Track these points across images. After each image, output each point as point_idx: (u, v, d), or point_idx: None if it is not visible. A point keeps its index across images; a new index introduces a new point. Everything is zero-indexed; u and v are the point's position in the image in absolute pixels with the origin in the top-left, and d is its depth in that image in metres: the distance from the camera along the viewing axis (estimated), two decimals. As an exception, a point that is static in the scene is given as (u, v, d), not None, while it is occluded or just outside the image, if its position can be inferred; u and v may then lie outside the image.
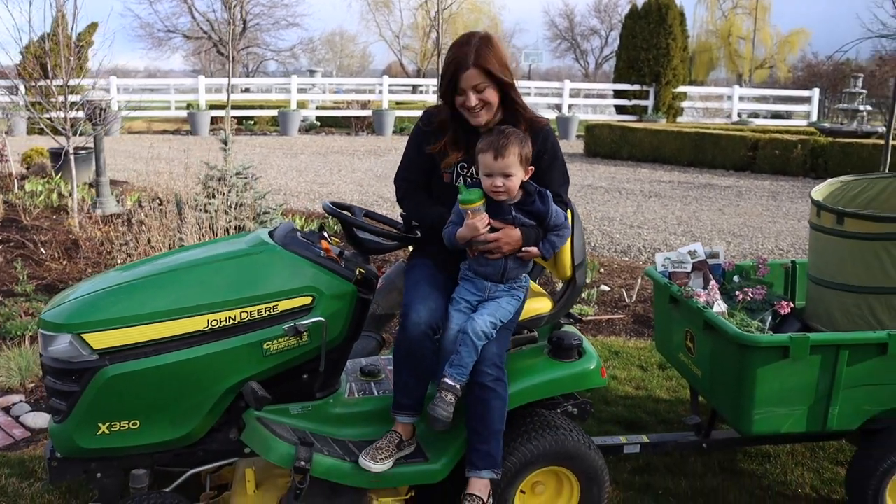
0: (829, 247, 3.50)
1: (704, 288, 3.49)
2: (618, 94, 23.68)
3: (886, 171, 7.64)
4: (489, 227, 2.63)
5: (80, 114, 8.57)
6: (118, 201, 9.08)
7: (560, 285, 3.19)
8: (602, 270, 7.11)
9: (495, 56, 2.70)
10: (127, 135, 19.59)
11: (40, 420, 4.00)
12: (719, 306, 3.37)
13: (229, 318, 2.60)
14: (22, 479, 3.41)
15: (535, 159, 2.75)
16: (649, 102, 22.99)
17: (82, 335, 2.55)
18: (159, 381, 2.58)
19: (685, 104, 24.00)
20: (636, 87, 22.89)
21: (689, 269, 3.71)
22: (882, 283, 3.31)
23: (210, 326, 2.59)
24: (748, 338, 2.95)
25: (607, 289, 6.47)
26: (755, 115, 25.85)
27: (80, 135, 8.39)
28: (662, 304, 3.74)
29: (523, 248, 2.69)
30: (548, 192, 2.74)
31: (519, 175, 2.65)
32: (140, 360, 2.57)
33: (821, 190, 3.77)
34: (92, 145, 9.17)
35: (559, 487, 2.96)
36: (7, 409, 4.13)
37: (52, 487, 3.31)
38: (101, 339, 2.55)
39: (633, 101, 23.07)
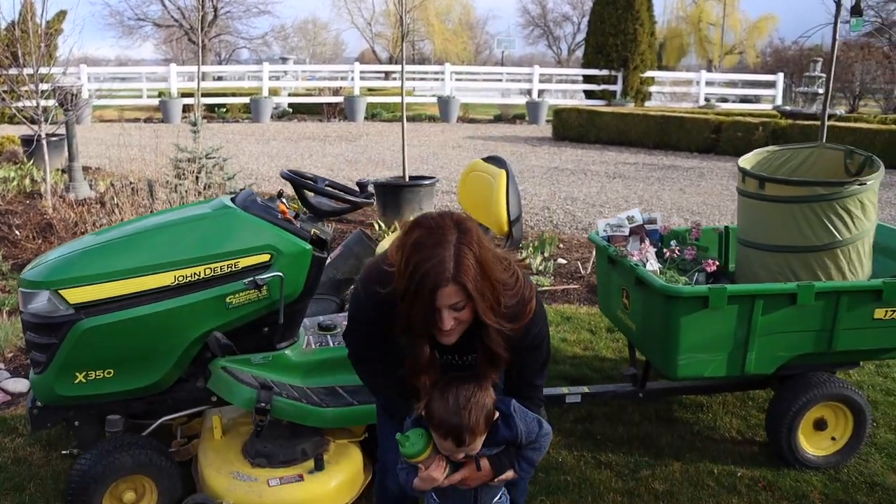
0: (752, 210, 3.79)
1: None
2: (587, 79, 23.98)
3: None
4: (448, 468, 2.16)
5: (52, 102, 8.70)
6: (91, 186, 9.22)
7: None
8: (561, 245, 7.41)
9: (479, 260, 1.99)
10: (98, 123, 19.59)
11: (20, 385, 4.22)
12: (652, 265, 3.66)
13: (194, 274, 2.84)
14: (4, 435, 3.64)
15: (515, 349, 2.18)
16: (618, 87, 23.30)
17: (60, 291, 2.78)
18: (131, 332, 2.81)
19: (653, 89, 24.34)
20: (604, 72, 23.20)
21: (626, 233, 3.99)
22: (798, 242, 3.60)
23: (177, 282, 2.83)
24: (672, 289, 3.24)
25: (564, 262, 6.77)
26: (724, 99, 26.29)
27: (52, 123, 8.52)
28: (603, 266, 4.03)
29: (496, 478, 2.20)
30: (511, 407, 2.19)
31: (482, 438, 2.15)
32: (113, 313, 2.79)
33: (748, 159, 4.07)
34: (63, 132, 9.30)
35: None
36: (-13, 376, 4.35)
37: (33, 441, 3.55)
38: (77, 295, 2.78)
39: (602, 86, 23.38)
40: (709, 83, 25.33)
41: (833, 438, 3.55)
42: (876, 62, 25.78)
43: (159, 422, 3.10)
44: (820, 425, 3.52)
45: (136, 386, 2.91)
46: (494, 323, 2.06)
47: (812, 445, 3.54)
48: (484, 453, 2.17)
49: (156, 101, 21.25)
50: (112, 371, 2.87)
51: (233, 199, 3.12)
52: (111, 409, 2.99)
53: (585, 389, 3.82)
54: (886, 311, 3.37)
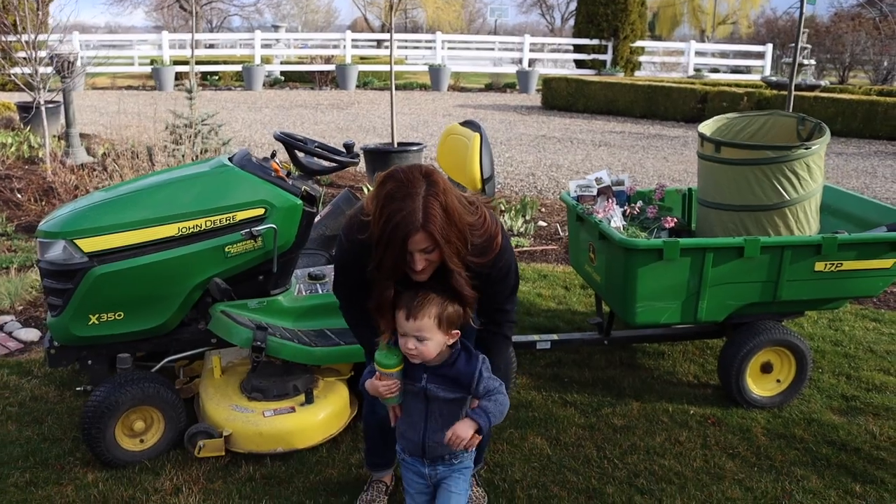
0: (710, 172, 4.10)
1: (605, 208, 4.09)
2: (577, 48, 24.13)
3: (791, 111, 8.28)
4: (397, 394, 2.41)
5: (49, 69, 8.91)
6: (88, 152, 9.47)
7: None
8: (543, 209, 7.73)
9: (445, 208, 2.21)
10: (91, 90, 19.72)
11: (31, 334, 4.53)
12: (616, 222, 3.98)
13: (196, 225, 3.15)
14: (21, 376, 3.96)
15: (484, 276, 2.41)
16: (608, 57, 23.48)
17: (75, 241, 3.07)
18: (139, 278, 3.12)
19: (643, 59, 24.53)
20: (595, 41, 23.35)
21: (594, 193, 4.30)
22: (750, 202, 3.92)
23: (180, 232, 3.13)
24: (629, 242, 3.56)
25: (544, 224, 7.10)
26: (715, 70, 26.45)
27: (50, 90, 8.73)
28: (572, 223, 4.35)
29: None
30: (480, 355, 2.40)
31: (437, 339, 2.31)
32: (123, 261, 3.09)
33: (709, 125, 4.37)
34: (59, 99, 9.50)
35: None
36: (0, 327, 4.66)
37: (48, 381, 3.88)
38: (91, 244, 3.08)
39: (592, 56, 23.54)
40: (699, 53, 25.51)
41: (778, 380, 3.90)
42: (866, 33, 25.95)
43: (165, 361, 3.42)
44: (766, 368, 3.87)
45: (144, 327, 3.22)
46: (459, 268, 2.29)
47: (759, 387, 3.88)
48: (432, 392, 2.35)
49: (148, 69, 21.36)
50: (122, 313, 3.18)
51: (230, 159, 3.42)
52: (121, 349, 3.30)
53: (555, 337, 4.15)
54: (826, 265, 3.70)
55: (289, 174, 3.40)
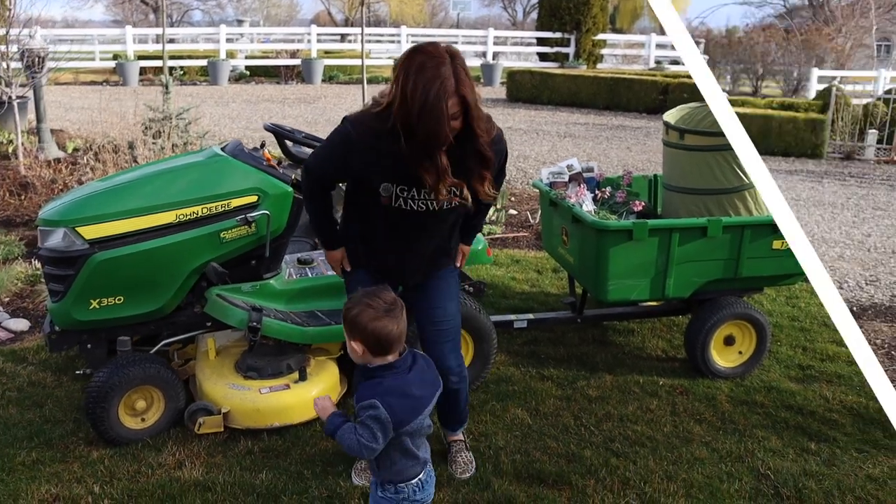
0: (674, 158, 4.35)
1: (576, 193, 4.32)
2: (541, 41, 24.42)
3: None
4: None
5: (19, 64, 8.88)
6: (59, 147, 9.47)
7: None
8: (512, 199, 7.96)
9: (468, 76, 2.49)
10: (54, 86, 19.49)
11: (20, 324, 4.64)
12: (587, 206, 4.20)
13: (193, 212, 3.30)
14: (16, 364, 4.08)
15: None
16: (570, 50, 23.80)
17: (76, 228, 3.21)
18: (138, 263, 3.26)
19: (605, 52, 24.89)
20: (557, 34, 23.65)
21: (566, 179, 4.53)
22: (712, 186, 4.17)
23: (178, 219, 3.29)
24: (601, 223, 3.79)
25: (515, 212, 7.33)
26: (676, 62, 26.87)
27: (22, 85, 8.73)
28: (545, 208, 4.57)
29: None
30: (376, 403, 2.21)
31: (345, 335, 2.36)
32: (123, 247, 3.24)
33: (672, 113, 4.61)
34: (28, 94, 9.46)
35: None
36: (-12, 318, 4.76)
37: (44, 367, 4.01)
38: (92, 231, 3.22)
39: (556, 49, 23.84)
40: (660, 46, 25.93)
41: (740, 352, 4.17)
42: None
43: (161, 343, 3.57)
44: (729, 341, 4.13)
45: (143, 311, 3.37)
46: (483, 133, 2.58)
47: (722, 358, 4.14)
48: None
49: (109, 64, 21.17)
50: (122, 298, 3.32)
51: (223, 149, 3.58)
52: (120, 333, 3.44)
53: (531, 316, 4.38)
54: (782, 243, 3.96)
55: (279, 163, 3.57)
